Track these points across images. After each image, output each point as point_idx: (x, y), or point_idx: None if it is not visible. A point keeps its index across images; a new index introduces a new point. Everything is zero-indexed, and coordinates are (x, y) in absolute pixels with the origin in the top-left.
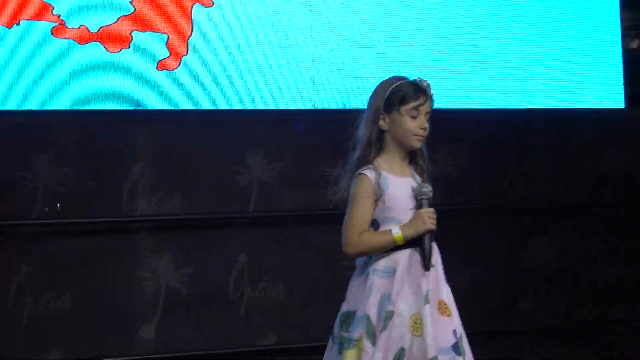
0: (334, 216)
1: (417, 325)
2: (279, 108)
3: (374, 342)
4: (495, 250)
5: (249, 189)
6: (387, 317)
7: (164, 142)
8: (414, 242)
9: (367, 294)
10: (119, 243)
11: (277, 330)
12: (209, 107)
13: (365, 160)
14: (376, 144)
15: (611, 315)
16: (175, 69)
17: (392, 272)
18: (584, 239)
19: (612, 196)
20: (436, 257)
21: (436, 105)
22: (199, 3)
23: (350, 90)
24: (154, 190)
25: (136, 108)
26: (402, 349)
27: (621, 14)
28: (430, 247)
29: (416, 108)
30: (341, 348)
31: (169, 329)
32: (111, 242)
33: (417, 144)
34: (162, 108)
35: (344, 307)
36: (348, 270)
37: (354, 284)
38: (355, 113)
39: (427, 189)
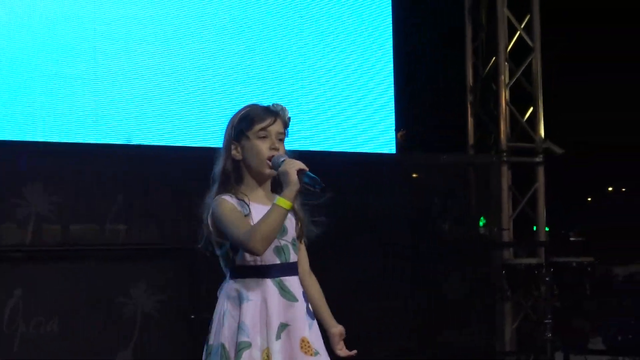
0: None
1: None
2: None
3: None
4: None
5: (27, 221)
6: (241, 347)
7: None
8: (268, 271)
9: (221, 322)
10: None
11: None
12: None
13: (223, 192)
14: (233, 176)
15: None
16: None
17: (246, 299)
18: None
19: None
20: (299, 292)
21: None
22: None
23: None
24: None
25: None
26: None
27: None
28: (314, 177)
29: (264, 129)
30: None
31: None
32: None
33: (268, 170)
34: None
35: (209, 341)
36: (124, 306)
37: (214, 314)
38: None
39: (281, 156)
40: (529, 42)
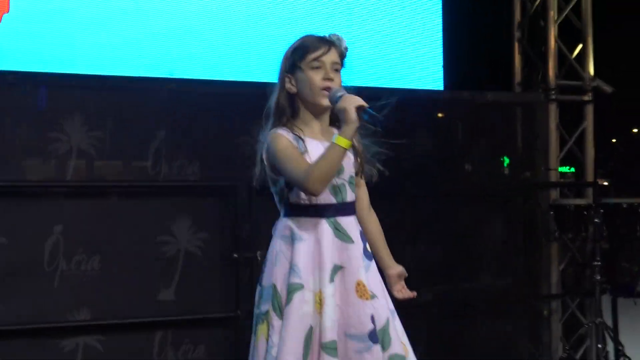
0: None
1: (320, 303)
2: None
3: (281, 316)
4: None
5: (68, 156)
6: (293, 289)
7: None
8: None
9: (274, 262)
10: None
11: (90, 305)
12: (30, 69)
13: (278, 126)
14: (288, 110)
15: None
16: None
17: (299, 239)
18: None
19: None
20: (356, 233)
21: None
22: None
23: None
24: None
25: None
26: (311, 328)
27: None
28: (374, 114)
29: (317, 59)
30: (255, 326)
31: None
32: None
33: (324, 100)
34: None
35: (262, 281)
36: (164, 245)
37: (267, 254)
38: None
39: (339, 90)
40: None
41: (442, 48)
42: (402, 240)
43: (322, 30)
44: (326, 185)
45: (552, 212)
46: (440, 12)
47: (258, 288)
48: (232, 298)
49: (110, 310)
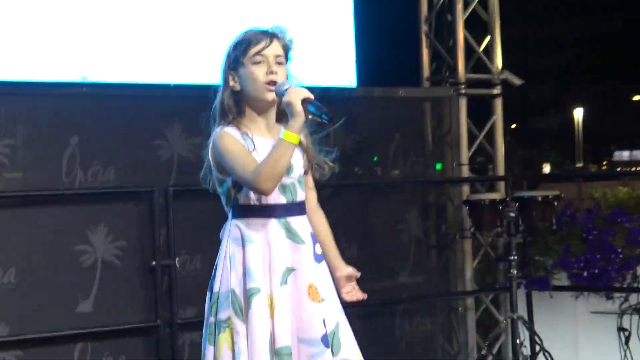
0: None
1: (272, 307)
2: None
3: (244, 321)
4: None
5: None
6: (251, 293)
7: None
8: (273, 210)
9: (228, 266)
10: None
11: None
12: None
13: (224, 125)
14: (234, 108)
15: None
16: None
17: (249, 241)
18: None
19: None
20: (307, 234)
21: None
22: None
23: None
24: None
25: None
26: (271, 334)
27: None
28: (320, 105)
29: (259, 53)
30: (214, 335)
31: None
32: None
33: (269, 94)
34: None
35: (213, 288)
36: (81, 254)
37: (217, 259)
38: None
39: (285, 83)
40: None
41: (354, 44)
42: None
43: (224, 26)
44: (277, 183)
45: (466, 208)
46: (352, 7)
47: (208, 294)
48: (152, 307)
49: (28, 325)
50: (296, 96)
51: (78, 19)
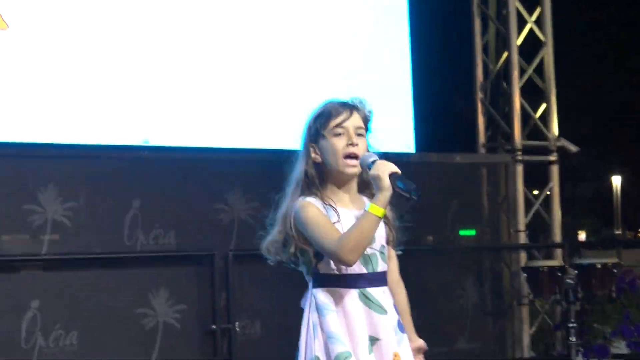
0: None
1: None
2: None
3: None
4: None
5: (43, 229)
6: (344, 357)
7: None
8: (354, 281)
9: (312, 335)
10: None
11: None
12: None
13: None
14: (317, 180)
15: None
16: None
17: (329, 310)
18: None
19: None
20: (388, 302)
21: None
22: None
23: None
24: None
25: None
26: None
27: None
28: (408, 182)
29: (339, 125)
30: None
31: None
32: None
33: (349, 169)
34: None
35: (298, 358)
36: (143, 317)
37: (301, 328)
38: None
39: (371, 155)
40: (541, 36)
41: (413, 110)
42: None
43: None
44: (360, 255)
45: (524, 275)
46: (410, 73)
47: None
48: None
49: None
50: (384, 170)
51: (141, 83)
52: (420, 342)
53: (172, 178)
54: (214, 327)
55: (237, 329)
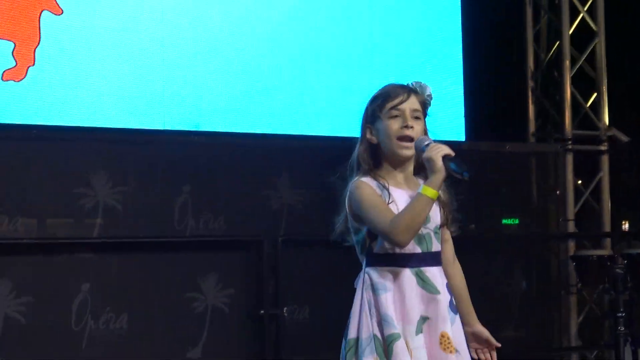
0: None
1: (410, 354)
2: (128, 127)
3: None
4: None
5: (94, 212)
6: (392, 339)
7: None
8: (407, 260)
9: (367, 313)
10: None
11: None
12: (54, 123)
13: (361, 175)
14: (370, 161)
15: None
16: (22, 80)
17: (383, 290)
18: None
19: None
20: (441, 282)
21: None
22: (48, 10)
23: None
24: None
25: None
26: None
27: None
28: (462, 163)
29: (395, 107)
30: None
31: None
32: None
33: (403, 150)
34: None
35: (348, 335)
36: (193, 301)
37: (353, 307)
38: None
39: (426, 138)
40: (593, 26)
41: (464, 99)
42: None
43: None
44: (413, 236)
45: (573, 264)
46: (462, 62)
47: (343, 342)
48: (259, 355)
49: None
50: (437, 152)
51: (193, 68)
52: (480, 329)
53: (222, 163)
54: (262, 312)
55: (285, 314)
